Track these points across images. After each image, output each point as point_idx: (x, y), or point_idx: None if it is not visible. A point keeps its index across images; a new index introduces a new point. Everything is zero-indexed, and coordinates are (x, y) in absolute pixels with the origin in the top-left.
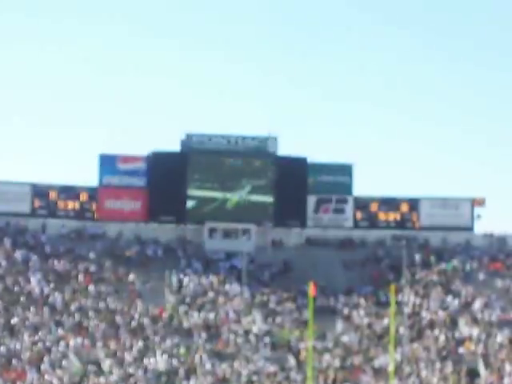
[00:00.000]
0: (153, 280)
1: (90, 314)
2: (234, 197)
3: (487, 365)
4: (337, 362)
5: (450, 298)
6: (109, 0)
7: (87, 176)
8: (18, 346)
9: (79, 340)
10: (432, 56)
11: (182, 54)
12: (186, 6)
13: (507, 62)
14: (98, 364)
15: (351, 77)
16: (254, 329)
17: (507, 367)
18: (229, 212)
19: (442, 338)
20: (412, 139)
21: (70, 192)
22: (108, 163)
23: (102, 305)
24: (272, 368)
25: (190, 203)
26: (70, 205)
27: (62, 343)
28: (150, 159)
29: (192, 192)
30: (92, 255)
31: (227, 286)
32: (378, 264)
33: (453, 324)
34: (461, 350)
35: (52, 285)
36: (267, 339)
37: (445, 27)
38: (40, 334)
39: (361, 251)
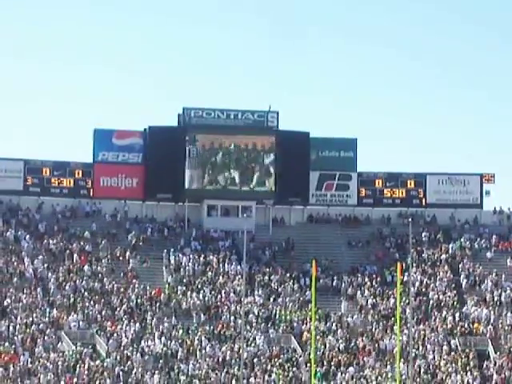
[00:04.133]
0: (150, 260)
1: (86, 294)
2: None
3: (497, 347)
4: (341, 344)
5: (458, 278)
6: None
7: (82, 152)
8: (10, 328)
9: (74, 322)
10: (440, 29)
11: (180, 26)
12: None
13: None
14: (93, 347)
15: (354, 49)
16: (255, 310)
17: None
18: (228, 189)
19: (450, 318)
20: (419, 113)
21: (64, 168)
22: (103, 138)
23: (97, 285)
24: (274, 350)
25: (187, 180)
26: (65, 182)
27: (56, 325)
28: (146, 134)
29: (190, 168)
30: (87, 234)
31: (227, 266)
32: (384, 242)
33: (461, 304)
34: (469, 331)
35: (46, 265)
36: (269, 321)
37: None
38: (33, 315)
39: (365, 229)
